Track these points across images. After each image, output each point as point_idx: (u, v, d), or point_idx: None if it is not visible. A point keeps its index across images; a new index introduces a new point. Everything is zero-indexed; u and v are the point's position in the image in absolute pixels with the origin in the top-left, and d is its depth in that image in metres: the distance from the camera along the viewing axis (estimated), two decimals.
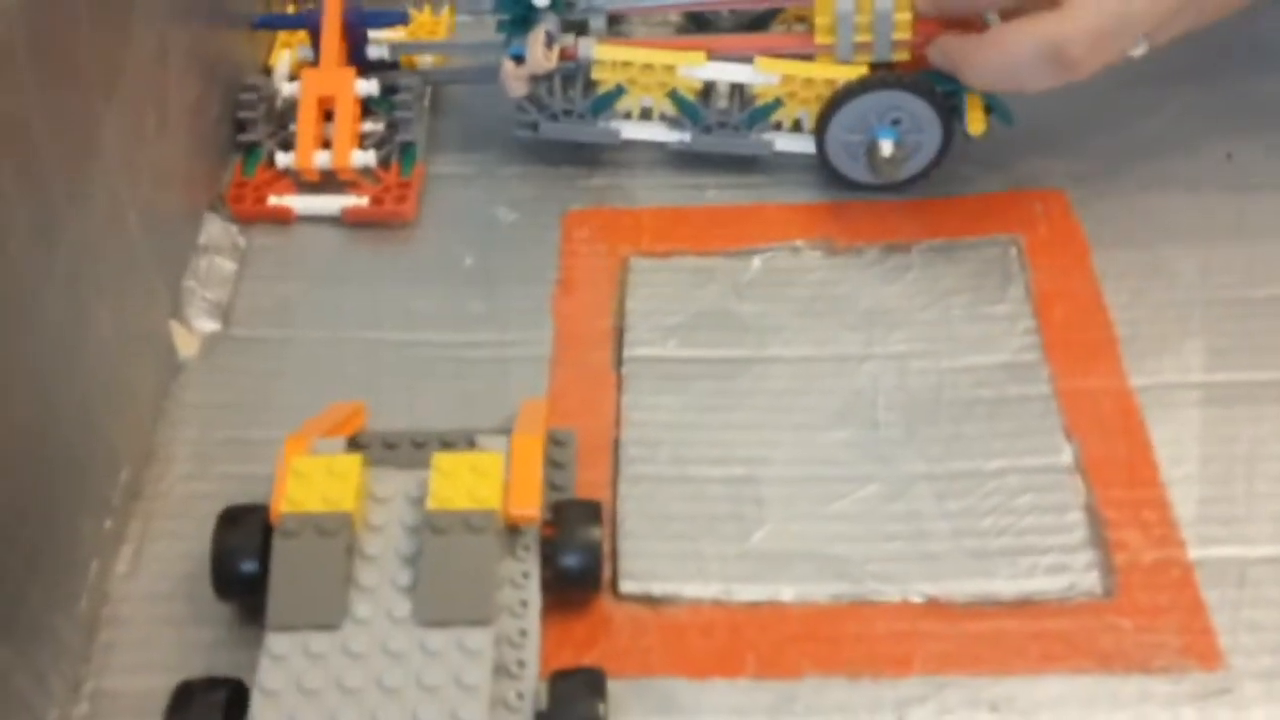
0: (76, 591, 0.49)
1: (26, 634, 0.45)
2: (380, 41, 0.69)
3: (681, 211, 0.65)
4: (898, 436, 0.55)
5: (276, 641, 0.43)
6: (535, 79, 0.63)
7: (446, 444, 0.52)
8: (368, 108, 0.67)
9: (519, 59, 0.62)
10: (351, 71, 0.66)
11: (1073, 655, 0.48)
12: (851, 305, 0.61)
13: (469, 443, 0.50)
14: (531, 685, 0.45)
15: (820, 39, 0.62)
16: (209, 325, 0.60)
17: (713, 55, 0.63)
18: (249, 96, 0.66)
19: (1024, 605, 0.50)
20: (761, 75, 0.63)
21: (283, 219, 0.64)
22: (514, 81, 0.63)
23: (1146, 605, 0.49)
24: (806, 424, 0.56)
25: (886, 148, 0.62)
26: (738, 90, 0.64)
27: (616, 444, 0.55)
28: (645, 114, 0.65)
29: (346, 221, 0.64)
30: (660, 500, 0.54)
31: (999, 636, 0.49)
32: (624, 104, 0.65)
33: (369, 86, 0.66)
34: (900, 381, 0.57)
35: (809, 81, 0.62)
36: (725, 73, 0.63)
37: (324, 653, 0.43)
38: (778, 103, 0.64)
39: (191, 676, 0.45)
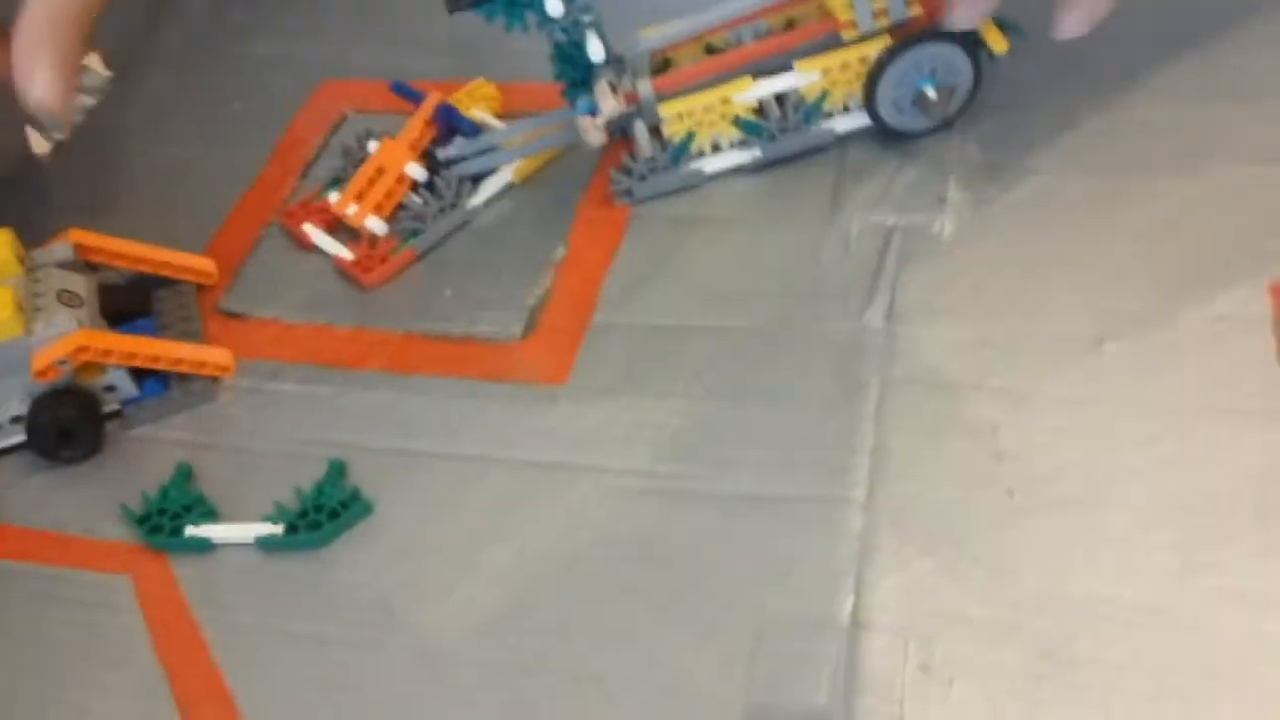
0: None
1: None
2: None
3: None
4: None
5: None
6: (610, 126, 0.71)
7: None
8: (420, 187, 0.77)
9: (594, 113, 0.71)
10: (410, 155, 0.77)
11: (471, 369, 0.69)
12: None
13: None
14: None
15: (841, 16, 0.72)
16: None
17: (755, 65, 0.71)
18: (351, 143, 0.80)
19: (463, 340, 0.71)
20: (805, 76, 0.74)
21: (302, 243, 0.77)
22: (594, 132, 0.71)
23: (538, 347, 0.69)
24: None
25: (931, 93, 0.72)
26: (787, 96, 0.72)
27: None
28: (715, 146, 0.73)
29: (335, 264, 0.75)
30: None
31: (436, 354, 0.70)
32: (697, 144, 0.73)
33: (418, 172, 0.77)
34: None
35: (845, 66, 0.73)
36: (774, 86, 0.71)
37: None
38: (824, 94, 0.74)
39: None
